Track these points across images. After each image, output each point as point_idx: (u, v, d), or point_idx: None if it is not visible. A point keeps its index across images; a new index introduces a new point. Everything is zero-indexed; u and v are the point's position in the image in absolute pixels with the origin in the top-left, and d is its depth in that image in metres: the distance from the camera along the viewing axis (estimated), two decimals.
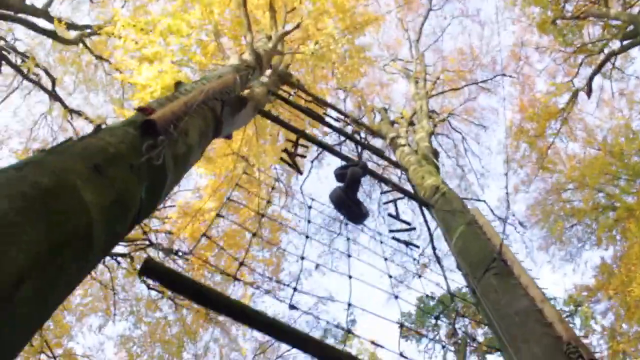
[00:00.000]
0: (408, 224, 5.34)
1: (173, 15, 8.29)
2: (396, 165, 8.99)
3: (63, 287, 1.98)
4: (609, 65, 13.80)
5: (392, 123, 13.28)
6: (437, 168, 9.03)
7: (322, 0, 9.51)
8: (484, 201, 13.63)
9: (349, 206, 4.69)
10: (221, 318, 15.72)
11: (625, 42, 11.39)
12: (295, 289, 3.11)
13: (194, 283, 2.44)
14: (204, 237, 3.20)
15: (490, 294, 4.67)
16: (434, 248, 14.87)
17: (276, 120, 6.22)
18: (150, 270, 2.32)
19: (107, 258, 14.37)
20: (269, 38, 9.48)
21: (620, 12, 10.98)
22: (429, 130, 11.26)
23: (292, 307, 2.81)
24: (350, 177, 4.86)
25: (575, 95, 14.29)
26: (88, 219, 2.10)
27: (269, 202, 4.63)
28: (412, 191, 7.61)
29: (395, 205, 5.56)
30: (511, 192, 17.15)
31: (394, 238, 5.01)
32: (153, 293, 14.73)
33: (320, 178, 27.37)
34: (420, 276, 5.29)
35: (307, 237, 3.78)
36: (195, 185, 12.32)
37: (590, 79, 13.25)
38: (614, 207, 15.28)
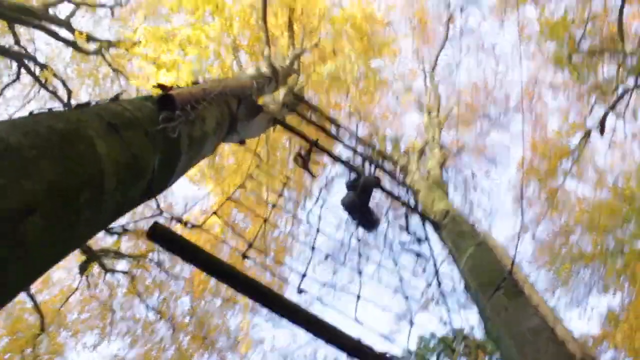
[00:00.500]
0: (418, 238, 5.22)
1: (193, 26, 8.38)
2: (406, 187, 8.90)
3: (73, 232, 1.88)
4: (622, 104, 13.77)
5: (404, 152, 13.25)
6: (447, 194, 8.93)
7: (342, 22, 9.56)
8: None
9: (361, 211, 4.59)
10: (219, 345, 15.46)
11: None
12: (304, 275, 3.01)
13: (202, 251, 2.33)
14: (214, 214, 3.09)
15: (500, 313, 4.52)
16: (439, 282, 14.66)
17: (291, 129, 6.17)
18: (158, 235, 2.22)
19: (108, 275, 14.25)
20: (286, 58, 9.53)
21: (636, 49, 11.01)
22: (440, 159, 11.18)
23: (301, 291, 2.71)
24: (363, 184, 4.77)
25: (587, 134, 14.23)
26: (100, 169, 2.02)
27: (280, 195, 4.53)
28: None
29: (407, 219, 5.45)
30: (519, 231, 16.86)
31: (403, 248, 4.89)
32: (151, 315, 14.56)
33: (328, 207, 27.09)
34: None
35: (317, 230, 3.68)
36: (202, 206, 12.14)
37: (604, 116, 13.19)
38: (622, 252, 15.04)
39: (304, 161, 5.53)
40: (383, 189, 6.07)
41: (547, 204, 15.76)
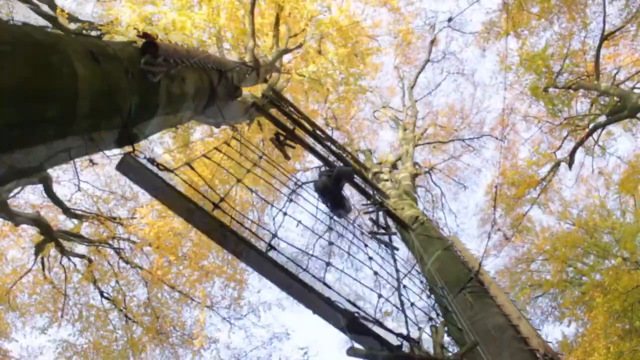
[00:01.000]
0: (387, 228, 5.19)
1: (179, 12, 8.29)
2: (377, 190, 8.91)
3: (40, 142, 1.81)
4: (592, 140, 14.15)
5: (377, 163, 13.34)
6: (417, 204, 9.00)
7: (327, 25, 9.59)
8: None
9: (333, 195, 4.56)
10: (172, 339, 15.13)
11: (610, 117, 11.70)
12: (275, 235, 2.96)
13: (171, 187, 2.27)
14: (187, 165, 3.03)
15: (465, 311, 4.54)
16: (400, 294, 14.69)
17: (270, 116, 6.14)
18: (127, 166, 2.16)
19: (65, 260, 13.88)
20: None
21: (610, 87, 11.32)
22: (412, 172, 11.28)
23: (271, 247, 2.66)
24: (337, 172, 4.75)
25: (557, 165, 14.54)
26: (75, 89, 1.96)
27: (260, 157, 4.48)
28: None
29: (377, 214, 5.44)
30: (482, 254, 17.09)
31: (374, 238, 4.86)
32: (105, 303, 14.18)
33: (295, 212, 27.07)
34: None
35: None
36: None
37: (574, 150, 13.51)
38: (580, 283, 15.34)
39: (279, 142, 5.49)
40: (355, 184, 6.05)
41: (512, 230, 15.99)
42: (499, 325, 4.08)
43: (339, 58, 10.01)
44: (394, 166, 13.07)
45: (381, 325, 2.55)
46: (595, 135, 14.07)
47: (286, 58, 11.04)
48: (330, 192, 4.46)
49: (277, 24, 9.99)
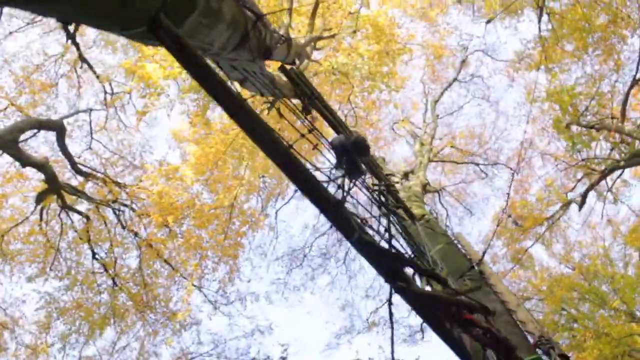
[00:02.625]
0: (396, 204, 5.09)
1: None
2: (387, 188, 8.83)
3: None
4: (606, 186, 14.04)
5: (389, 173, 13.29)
6: (424, 205, 8.95)
7: (365, 19, 9.60)
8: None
9: (349, 155, 4.48)
10: (155, 314, 15.02)
11: (628, 161, 11.61)
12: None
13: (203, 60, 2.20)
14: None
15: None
16: (390, 304, 14.53)
17: (294, 80, 6.08)
18: (164, 31, 2.10)
19: (63, 215, 13.83)
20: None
21: (634, 130, 11.24)
22: (423, 182, 11.22)
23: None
24: (355, 139, 4.68)
25: (567, 205, 14.42)
26: None
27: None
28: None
29: (385, 195, 5.35)
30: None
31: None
32: (96, 265, 14.10)
33: (299, 210, 27.32)
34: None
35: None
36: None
37: (586, 191, 13.40)
38: (571, 328, 15.13)
39: (303, 100, 5.46)
40: (367, 162, 5.96)
41: (512, 262, 15.84)
42: (497, 311, 4.00)
43: (370, 54, 10.00)
44: (405, 176, 13.00)
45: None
46: (610, 181, 13.96)
47: (316, 55, 11.08)
48: (347, 151, 4.38)
49: (314, 13, 10.01)
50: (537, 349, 3.34)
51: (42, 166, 10.99)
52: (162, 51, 7.84)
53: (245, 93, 7.14)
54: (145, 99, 8.08)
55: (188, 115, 9.80)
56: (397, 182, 10.32)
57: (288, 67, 6.98)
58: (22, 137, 11.50)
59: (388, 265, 2.29)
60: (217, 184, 10.88)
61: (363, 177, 4.65)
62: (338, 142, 4.62)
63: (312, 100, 5.91)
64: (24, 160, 10.47)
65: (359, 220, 2.50)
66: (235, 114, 2.23)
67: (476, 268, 4.70)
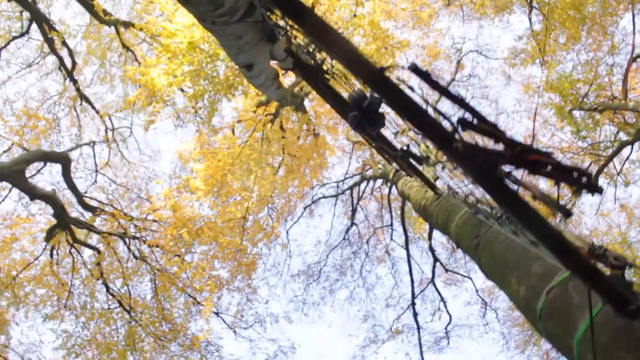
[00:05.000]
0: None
1: None
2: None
3: None
4: (615, 172, 13.96)
5: None
6: None
7: (360, 18, 9.68)
8: (470, 278, 13.17)
9: (368, 108, 4.41)
10: (173, 348, 14.69)
11: (636, 136, 11.54)
12: None
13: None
14: None
15: (499, 236, 4.34)
16: (414, 312, 14.30)
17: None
18: None
19: (74, 251, 13.63)
20: None
21: (639, 104, 11.21)
22: (434, 177, 11.13)
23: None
24: (379, 98, 4.62)
25: (577, 193, 14.25)
26: None
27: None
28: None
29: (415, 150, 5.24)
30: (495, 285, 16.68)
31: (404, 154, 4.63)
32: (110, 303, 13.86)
33: (309, 227, 27.26)
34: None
35: None
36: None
37: (597, 174, 13.28)
38: None
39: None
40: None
41: None
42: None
43: (370, 53, 10.05)
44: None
45: None
46: (618, 164, 13.90)
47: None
48: (366, 103, 4.32)
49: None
50: (592, 258, 3.20)
51: (50, 198, 10.93)
52: (164, 59, 7.85)
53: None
54: (151, 106, 8.05)
55: (195, 124, 9.80)
56: (407, 174, 10.28)
57: None
58: (27, 174, 11.48)
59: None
60: (227, 198, 10.80)
61: (382, 126, 4.57)
62: (357, 94, 4.55)
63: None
64: (32, 192, 10.40)
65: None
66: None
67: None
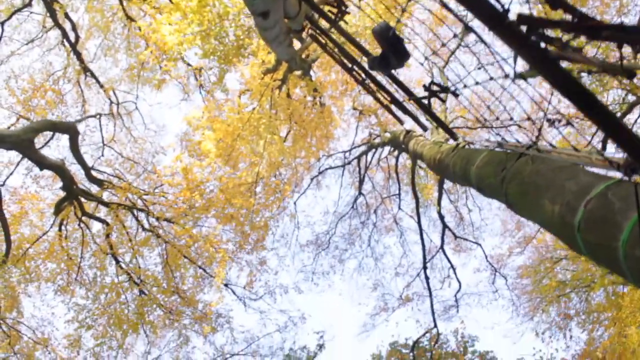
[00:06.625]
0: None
1: None
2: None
3: None
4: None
5: None
6: None
7: None
8: (479, 244, 13.16)
9: (392, 40, 4.35)
10: (186, 322, 14.75)
11: None
12: None
13: None
14: None
15: (526, 166, 4.30)
16: (426, 276, 14.30)
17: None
18: None
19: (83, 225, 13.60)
20: None
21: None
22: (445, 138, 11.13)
23: None
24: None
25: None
26: None
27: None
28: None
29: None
30: (504, 252, 16.78)
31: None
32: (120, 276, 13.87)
33: (317, 198, 27.38)
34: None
35: None
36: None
37: (604, 140, 13.19)
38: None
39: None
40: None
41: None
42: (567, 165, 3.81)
43: (378, 15, 9.95)
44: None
45: None
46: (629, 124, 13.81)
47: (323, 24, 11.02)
48: (390, 35, 4.25)
49: None
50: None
51: (59, 168, 10.87)
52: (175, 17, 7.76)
53: None
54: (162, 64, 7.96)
55: (202, 88, 9.71)
56: (419, 134, 10.25)
57: None
58: (36, 146, 11.41)
59: None
60: (238, 162, 10.74)
61: (408, 57, 4.52)
62: (382, 26, 4.49)
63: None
64: (41, 162, 10.34)
65: None
66: None
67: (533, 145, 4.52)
